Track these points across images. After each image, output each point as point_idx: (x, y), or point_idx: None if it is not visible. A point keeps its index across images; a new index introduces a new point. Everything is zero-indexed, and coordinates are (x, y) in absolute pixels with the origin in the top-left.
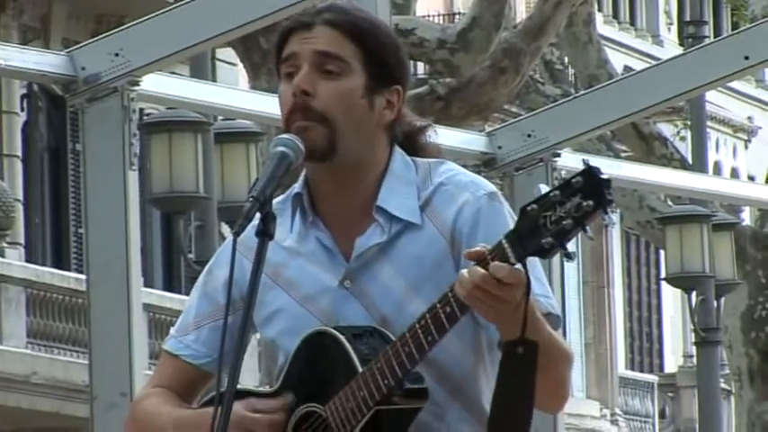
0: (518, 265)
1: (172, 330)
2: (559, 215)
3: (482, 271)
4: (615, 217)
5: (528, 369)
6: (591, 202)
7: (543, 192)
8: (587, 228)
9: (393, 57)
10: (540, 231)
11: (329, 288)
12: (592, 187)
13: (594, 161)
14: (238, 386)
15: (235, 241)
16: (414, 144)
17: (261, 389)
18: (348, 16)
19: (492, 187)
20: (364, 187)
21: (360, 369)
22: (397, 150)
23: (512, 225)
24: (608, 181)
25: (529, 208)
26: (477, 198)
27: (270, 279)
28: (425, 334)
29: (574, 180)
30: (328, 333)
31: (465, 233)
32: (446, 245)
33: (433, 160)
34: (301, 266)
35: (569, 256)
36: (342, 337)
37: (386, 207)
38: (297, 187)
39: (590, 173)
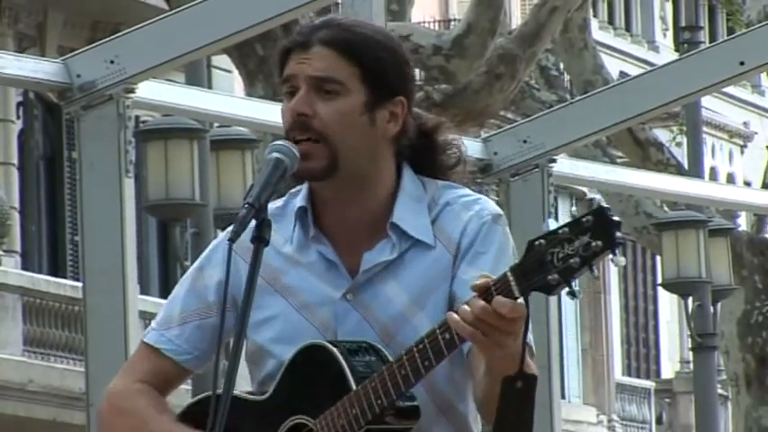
0: (520, 300)
1: (152, 323)
2: (567, 253)
3: (482, 303)
4: (623, 259)
5: (527, 403)
6: (600, 243)
7: (552, 227)
8: (594, 268)
9: (393, 70)
10: (546, 267)
11: (331, 300)
12: (602, 228)
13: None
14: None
15: (230, 248)
16: (437, 165)
17: (251, 396)
18: (345, 33)
19: (497, 210)
20: (373, 202)
21: (354, 386)
22: (407, 169)
23: (506, 248)
24: (618, 223)
25: (537, 243)
26: (481, 217)
27: (267, 283)
28: (423, 359)
29: (584, 219)
30: (323, 347)
31: (464, 248)
32: (450, 259)
33: (441, 182)
34: (301, 275)
35: (574, 294)
36: (337, 352)
37: (401, 225)
38: (299, 200)
39: (601, 213)
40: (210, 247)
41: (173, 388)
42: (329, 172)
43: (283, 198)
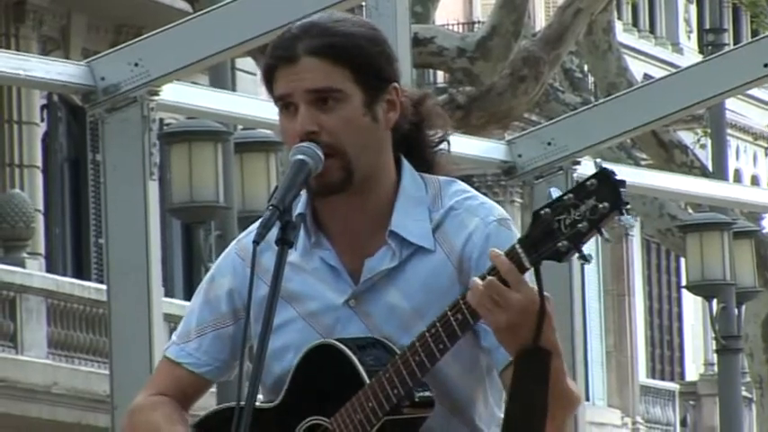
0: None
1: (173, 336)
2: (574, 218)
3: (490, 277)
4: (632, 219)
5: (541, 378)
6: (607, 204)
7: (556, 195)
8: (603, 230)
9: (380, 58)
10: (554, 235)
11: (334, 306)
12: (607, 189)
13: (614, 169)
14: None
15: (255, 250)
16: (427, 161)
17: (263, 405)
18: (328, 38)
19: (502, 213)
20: (374, 203)
21: (367, 380)
22: (406, 165)
23: None
24: (622, 182)
25: (542, 212)
26: (486, 224)
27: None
28: (436, 342)
29: (588, 182)
30: (332, 345)
31: (474, 259)
32: (453, 271)
33: (443, 179)
34: (306, 282)
35: (585, 259)
36: (347, 349)
37: (400, 232)
38: (299, 207)
39: (604, 175)
40: (222, 255)
41: (195, 399)
42: (346, 184)
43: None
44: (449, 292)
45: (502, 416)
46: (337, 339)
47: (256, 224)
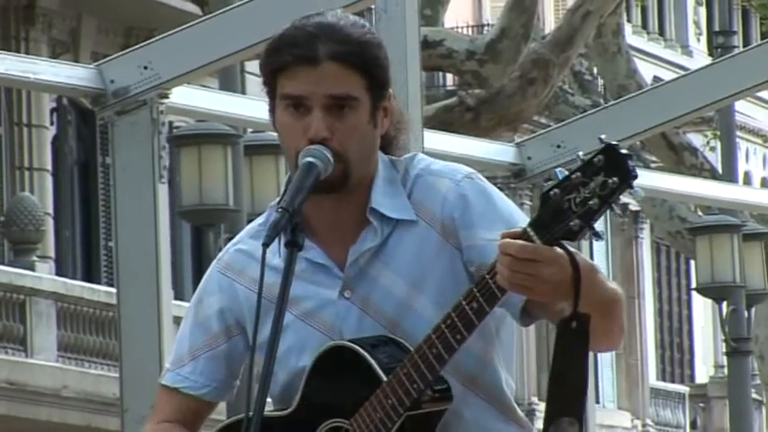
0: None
1: (166, 364)
2: (584, 196)
3: (507, 256)
4: (641, 191)
5: (581, 342)
6: (616, 179)
7: (562, 176)
8: (614, 205)
9: (386, 68)
10: (565, 215)
11: (330, 301)
12: (615, 164)
13: None
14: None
15: (264, 252)
16: (391, 147)
17: (276, 413)
18: (350, 45)
19: (468, 169)
20: (357, 196)
21: (384, 378)
22: (379, 153)
23: (500, 194)
24: (630, 155)
25: (551, 192)
26: (457, 183)
27: (267, 300)
28: (453, 333)
29: (595, 159)
30: (345, 347)
31: (456, 217)
32: (438, 236)
33: (407, 155)
34: (297, 284)
35: (598, 236)
36: (361, 350)
37: (379, 209)
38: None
39: (611, 149)
40: (204, 277)
41: (202, 420)
42: (342, 186)
43: (264, 213)
44: (439, 257)
45: (513, 382)
46: (349, 340)
47: (234, 240)
